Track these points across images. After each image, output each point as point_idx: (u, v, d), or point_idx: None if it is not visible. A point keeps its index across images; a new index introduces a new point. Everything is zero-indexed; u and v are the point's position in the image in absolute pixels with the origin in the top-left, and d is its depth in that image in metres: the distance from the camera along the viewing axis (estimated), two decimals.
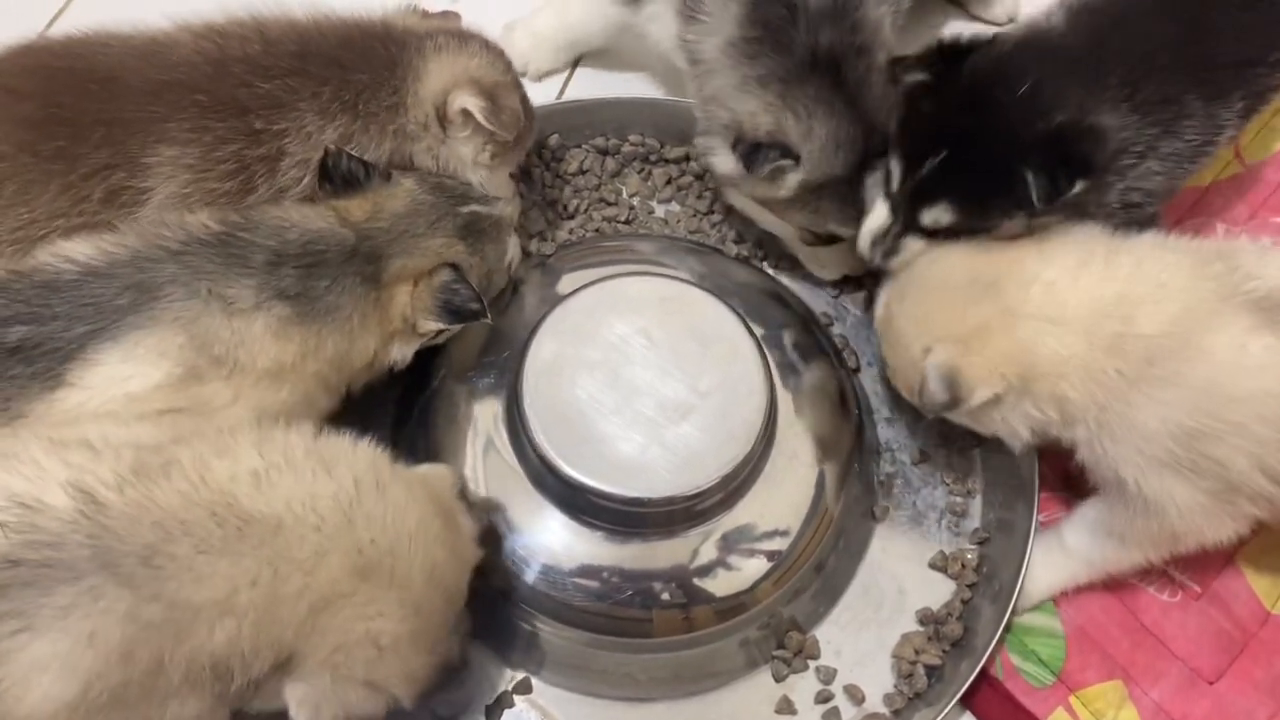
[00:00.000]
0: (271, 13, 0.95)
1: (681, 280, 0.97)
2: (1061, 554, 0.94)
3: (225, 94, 0.88)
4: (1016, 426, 0.90)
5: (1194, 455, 0.84)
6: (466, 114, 0.94)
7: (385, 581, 0.71)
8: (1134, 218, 0.95)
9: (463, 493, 0.84)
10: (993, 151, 0.89)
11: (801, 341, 1.02)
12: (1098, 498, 0.93)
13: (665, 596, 0.90)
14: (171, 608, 0.64)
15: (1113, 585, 0.96)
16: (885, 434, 1.06)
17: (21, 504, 0.64)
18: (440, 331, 0.91)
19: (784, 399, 0.95)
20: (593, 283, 0.95)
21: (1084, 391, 0.86)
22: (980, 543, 1.01)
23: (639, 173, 1.16)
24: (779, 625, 0.95)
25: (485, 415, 0.94)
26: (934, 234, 0.94)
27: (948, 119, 0.92)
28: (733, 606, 0.92)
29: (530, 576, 0.91)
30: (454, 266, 0.88)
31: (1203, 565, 0.96)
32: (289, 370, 0.82)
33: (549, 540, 0.90)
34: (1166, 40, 0.92)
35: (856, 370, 1.08)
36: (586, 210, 1.13)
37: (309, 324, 0.82)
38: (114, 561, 0.64)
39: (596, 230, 1.13)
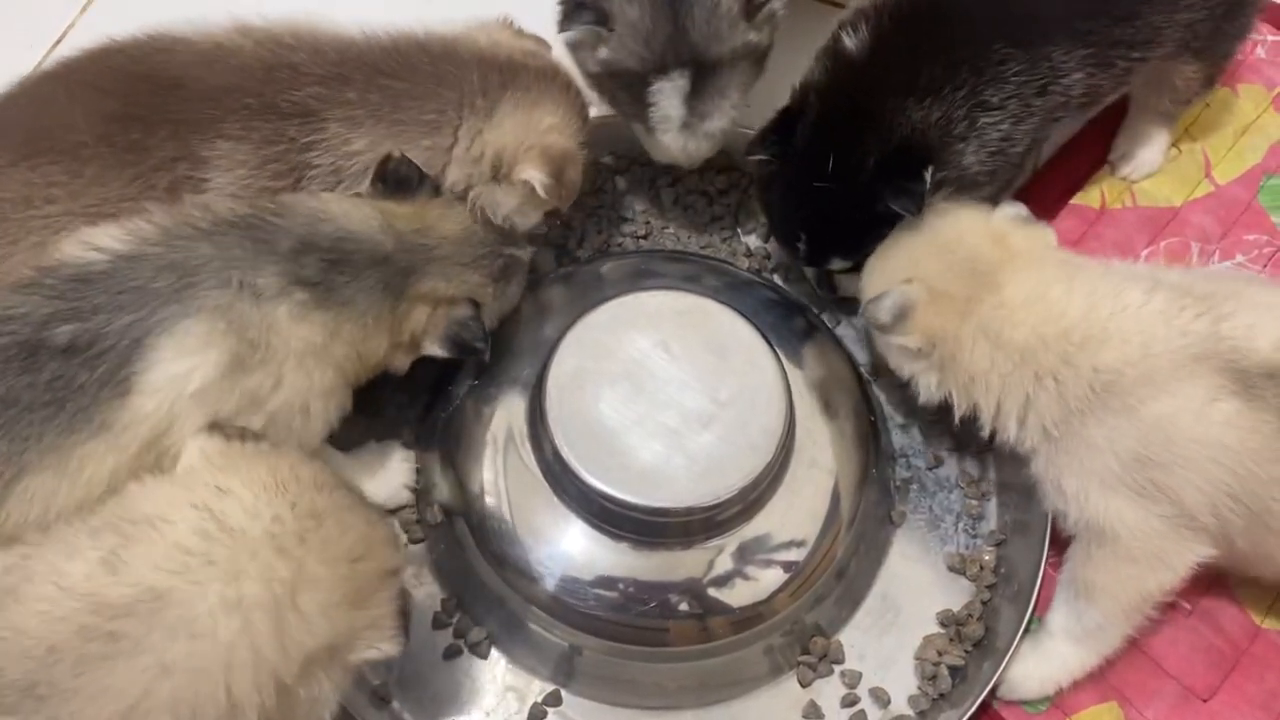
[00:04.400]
0: (337, 26, 0.96)
1: (698, 293, 0.98)
2: (1048, 639, 0.93)
3: (270, 99, 0.90)
4: (923, 387, 0.94)
5: (1142, 480, 0.84)
6: (528, 183, 0.94)
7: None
8: (1010, 160, 0.99)
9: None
10: (847, 201, 0.95)
11: (815, 350, 1.04)
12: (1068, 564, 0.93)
13: (683, 607, 0.91)
14: None
15: None
16: (900, 440, 1.07)
17: None
18: None
19: (801, 407, 0.96)
20: (611, 298, 0.96)
21: (1001, 404, 0.89)
22: (997, 544, 1.02)
23: (648, 191, 1.18)
24: (803, 631, 0.96)
25: (509, 428, 0.95)
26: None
27: (799, 200, 0.98)
28: (750, 617, 0.93)
29: (551, 585, 0.91)
30: (475, 303, 0.89)
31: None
32: (321, 351, 0.82)
33: (570, 549, 0.91)
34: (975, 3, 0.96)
35: (872, 378, 1.09)
36: (604, 228, 1.15)
37: (326, 310, 0.82)
38: None
39: (619, 245, 1.14)
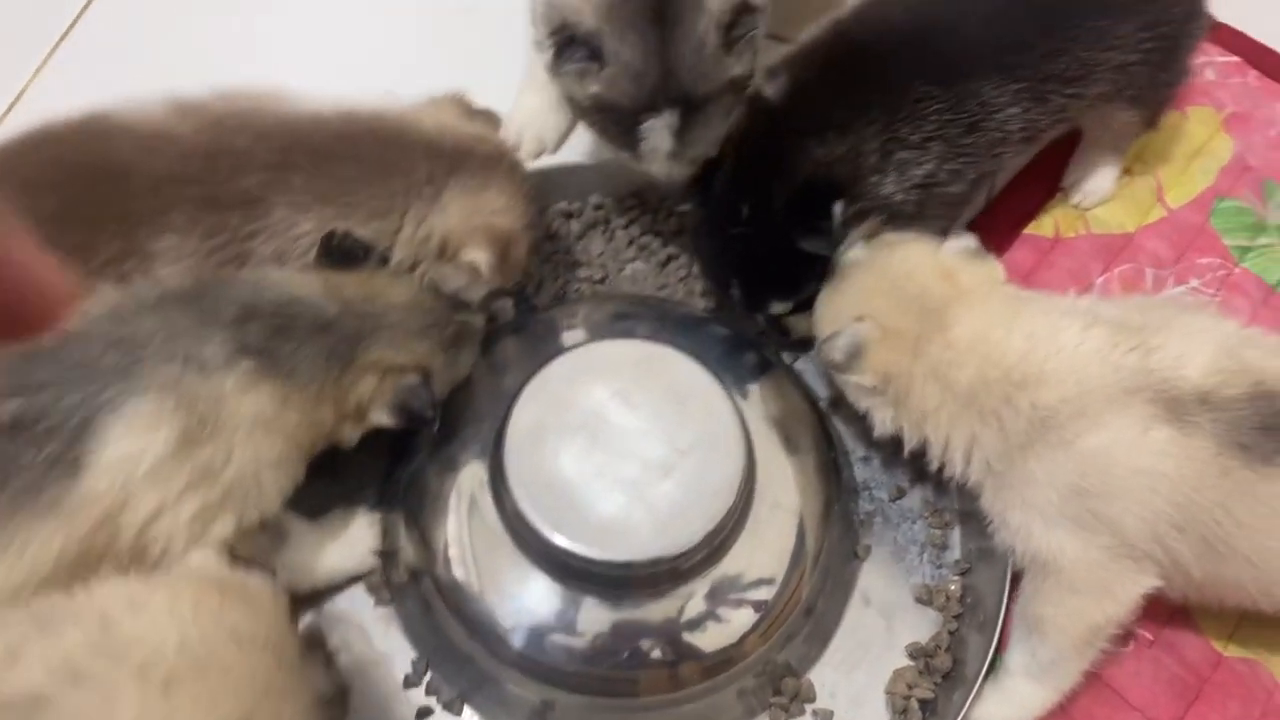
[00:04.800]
0: (277, 102, 0.95)
1: (655, 341, 0.98)
2: (1008, 678, 0.94)
3: (213, 189, 0.89)
4: (879, 421, 0.95)
5: (1083, 513, 0.85)
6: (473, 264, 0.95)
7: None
8: (944, 199, 1.01)
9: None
10: (768, 244, 0.97)
11: (773, 389, 1.04)
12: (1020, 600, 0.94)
13: (655, 654, 0.91)
14: None
15: None
16: (862, 473, 1.08)
17: None
18: None
19: (761, 448, 0.96)
20: (569, 349, 0.96)
21: (950, 440, 0.91)
22: (962, 573, 1.03)
23: (603, 234, 1.18)
24: (774, 672, 0.96)
25: (470, 485, 0.95)
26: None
27: (723, 247, 1.01)
28: (722, 661, 0.93)
29: (519, 643, 0.91)
30: (424, 372, 0.88)
31: (1152, 611, 0.96)
32: (271, 421, 0.81)
33: (536, 605, 0.91)
34: (894, 45, 0.98)
35: (831, 411, 1.09)
36: (561, 273, 1.15)
37: (273, 379, 0.81)
38: None
39: (577, 290, 1.14)
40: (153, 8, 1.35)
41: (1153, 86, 1.07)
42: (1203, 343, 0.86)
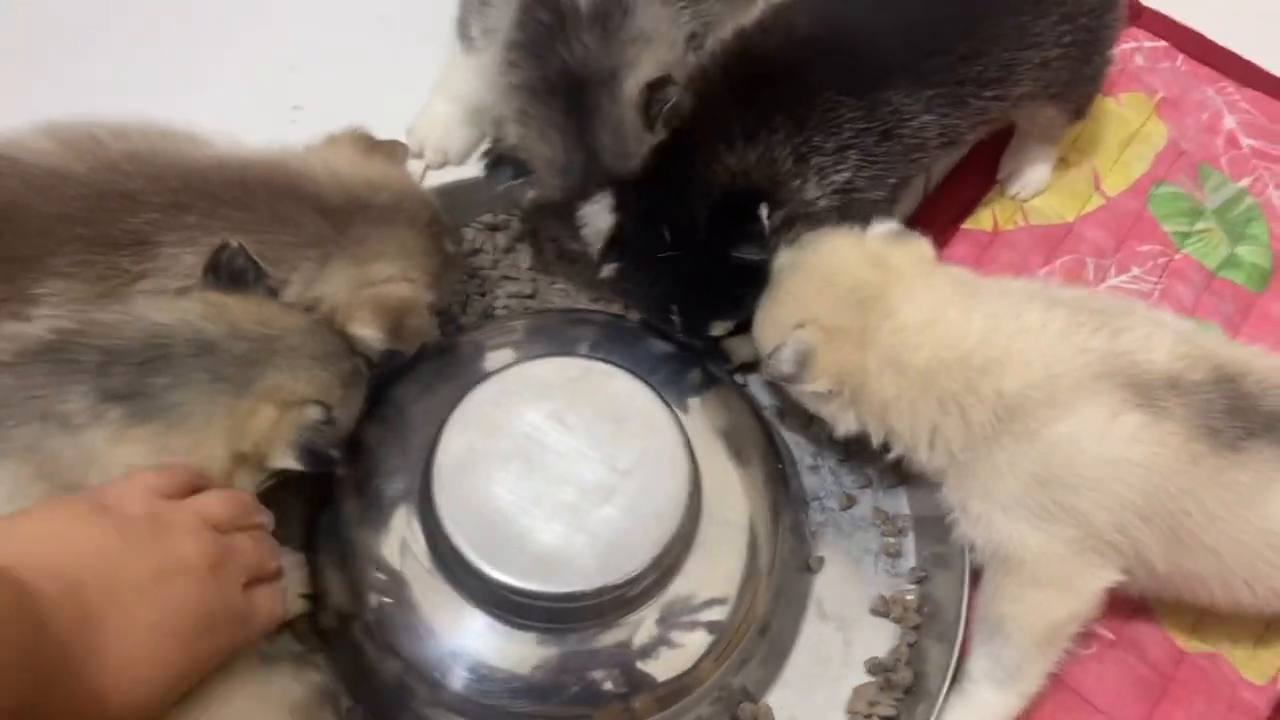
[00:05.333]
0: (177, 142, 0.89)
1: (589, 357, 0.94)
2: (971, 686, 0.91)
3: (103, 229, 0.83)
4: (840, 424, 0.92)
5: (1047, 503, 0.83)
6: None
7: None
8: (865, 207, 0.98)
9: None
10: (699, 262, 0.94)
11: (717, 402, 1.00)
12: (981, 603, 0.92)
13: (608, 686, 0.87)
14: None
15: None
16: (811, 483, 1.04)
17: None
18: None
19: (705, 463, 0.93)
20: (498, 371, 0.91)
21: (913, 429, 0.88)
22: (918, 581, 1.00)
23: (531, 247, 1.13)
24: (730, 698, 0.92)
25: (398, 519, 0.90)
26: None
27: (655, 277, 0.97)
28: (677, 690, 0.88)
29: (459, 685, 0.86)
30: (327, 408, 0.81)
31: (1113, 610, 0.95)
32: None
33: (477, 645, 0.86)
34: (799, 55, 0.95)
35: (777, 420, 1.06)
36: (488, 289, 1.10)
37: (147, 423, 0.74)
38: None
39: (505, 307, 1.09)
40: (47, 32, 1.27)
41: (1075, 81, 1.05)
42: (1163, 326, 0.86)
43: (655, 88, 0.94)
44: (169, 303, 0.80)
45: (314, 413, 0.80)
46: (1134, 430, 0.81)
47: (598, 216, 0.96)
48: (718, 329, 0.99)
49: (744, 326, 0.98)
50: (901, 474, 1.01)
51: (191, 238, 0.85)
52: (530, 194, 0.99)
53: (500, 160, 0.97)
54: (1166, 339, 0.84)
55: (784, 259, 0.94)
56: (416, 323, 0.91)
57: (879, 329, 0.87)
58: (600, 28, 0.94)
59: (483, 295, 1.10)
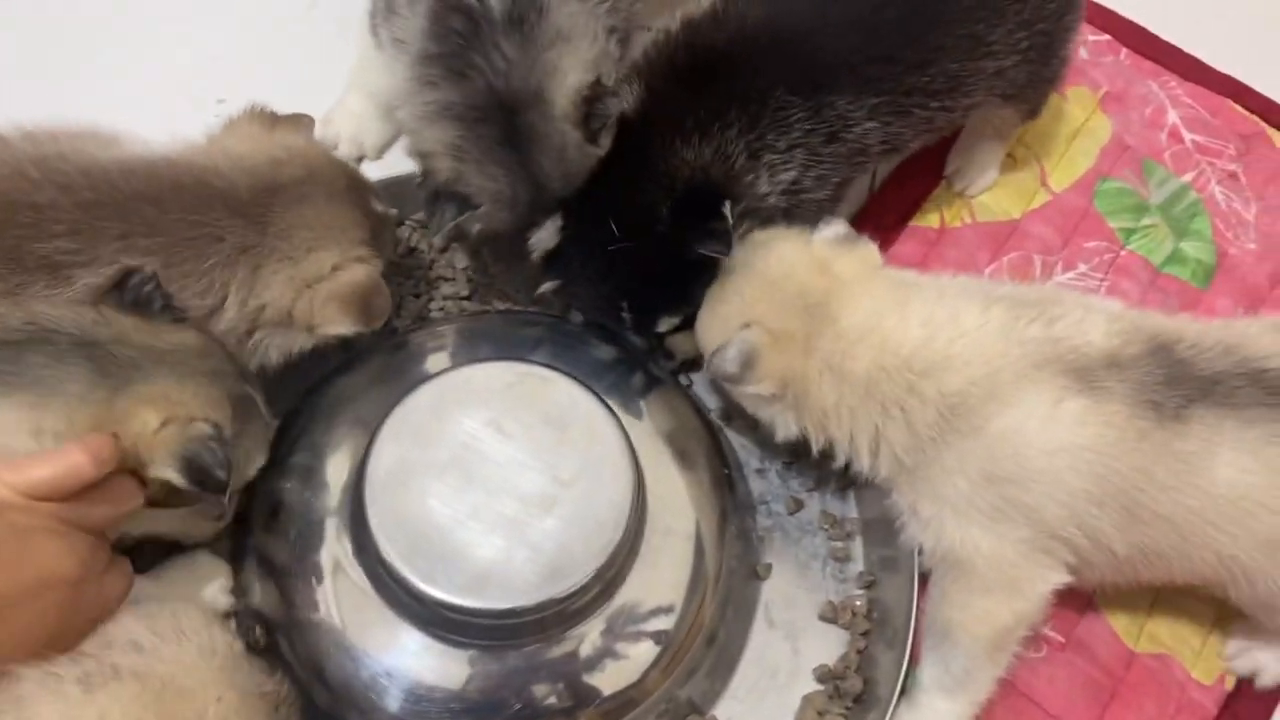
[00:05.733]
0: (86, 141, 0.84)
1: (529, 362, 0.91)
2: (921, 694, 0.89)
3: (11, 246, 0.78)
4: (780, 427, 0.91)
5: (998, 502, 0.83)
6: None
7: None
8: (809, 207, 0.96)
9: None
10: (655, 256, 0.92)
11: (662, 406, 0.98)
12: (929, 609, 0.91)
13: (552, 701, 0.84)
14: None
15: None
16: (758, 487, 1.02)
17: None
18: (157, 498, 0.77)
19: (650, 470, 0.90)
20: (432, 377, 0.88)
21: (854, 436, 0.87)
22: (867, 586, 0.98)
23: (467, 246, 1.09)
24: (677, 711, 0.90)
25: (328, 533, 0.86)
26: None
27: (604, 273, 0.93)
28: (623, 704, 0.86)
29: (396, 706, 0.82)
30: (217, 426, 0.76)
31: (1062, 612, 0.95)
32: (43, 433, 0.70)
33: (413, 664, 0.83)
34: (751, 51, 0.93)
35: (723, 423, 1.04)
36: (423, 291, 1.06)
37: (16, 393, 0.70)
38: None
39: (441, 310, 1.06)
40: None
41: (1033, 84, 1.04)
42: (1093, 310, 0.86)
43: (592, 99, 0.90)
44: (68, 307, 0.76)
45: (203, 428, 0.75)
46: (1078, 415, 0.81)
47: (547, 239, 0.93)
48: (665, 324, 0.97)
49: (687, 323, 0.95)
50: (849, 477, 0.99)
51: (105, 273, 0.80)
52: (477, 226, 0.95)
53: (438, 197, 0.92)
54: (1099, 320, 0.85)
55: (735, 257, 0.92)
56: (380, 300, 0.88)
57: (821, 335, 0.86)
58: (518, 33, 0.89)
59: (417, 297, 1.06)
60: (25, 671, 0.66)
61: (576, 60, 0.91)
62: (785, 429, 0.91)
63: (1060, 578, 0.85)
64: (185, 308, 0.81)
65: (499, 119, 0.89)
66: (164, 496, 0.77)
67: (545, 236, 0.93)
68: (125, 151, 0.85)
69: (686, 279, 0.93)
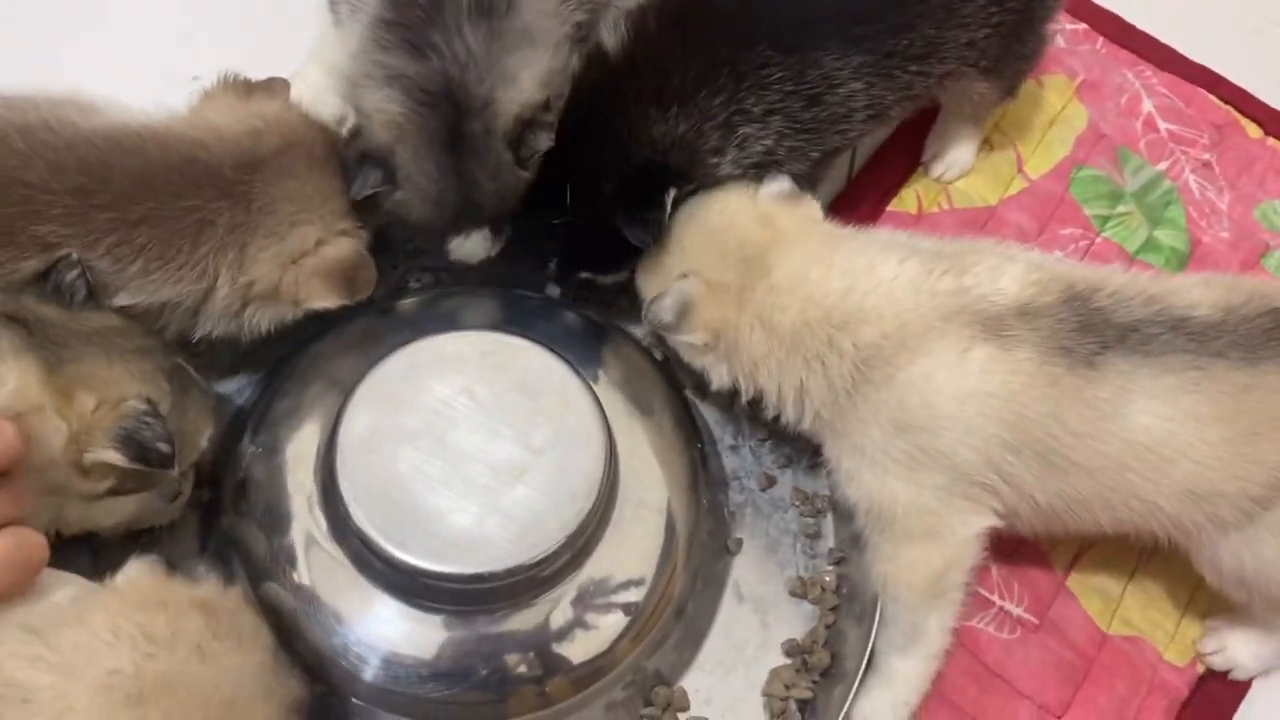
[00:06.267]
0: (69, 108, 0.83)
1: (502, 331, 0.91)
2: (881, 659, 0.90)
3: (5, 224, 0.78)
4: (714, 377, 0.92)
5: (911, 450, 0.84)
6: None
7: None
8: (785, 171, 0.95)
9: None
10: (591, 221, 0.91)
11: (635, 379, 0.98)
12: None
13: (522, 670, 0.84)
14: None
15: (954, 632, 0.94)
16: (731, 463, 1.03)
17: None
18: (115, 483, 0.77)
19: (623, 442, 0.91)
20: (404, 345, 0.88)
21: (780, 387, 0.88)
22: (837, 562, 0.99)
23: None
24: (644, 681, 0.90)
25: (301, 500, 0.86)
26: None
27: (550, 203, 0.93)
28: (591, 673, 0.87)
29: (370, 674, 0.83)
30: (150, 401, 0.76)
31: (1035, 595, 0.96)
32: None
33: (387, 632, 0.83)
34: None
35: (697, 398, 1.04)
36: (398, 262, 1.06)
37: None
38: None
39: (416, 281, 1.05)
40: None
41: (1006, 58, 1.04)
42: (1014, 258, 0.87)
43: (530, 124, 0.88)
44: None
45: (135, 405, 0.75)
46: (984, 363, 0.82)
47: (473, 246, 0.93)
48: (606, 281, 0.98)
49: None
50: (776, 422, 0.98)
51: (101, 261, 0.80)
52: (391, 201, 0.92)
53: (366, 159, 0.88)
54: (1016, 269, 0.85)
55: (686, 208, 0.93)
56: (364, 274, 0.89)
57: (755, 288, 0.88)
58: (485, 23, 0.86)
59: (393, 267, 1.06)
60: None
61: (535, 72, 0.89)
62: (719, 378, 0.92)
63: (983, 521, 0.86)
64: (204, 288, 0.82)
65: (446, 114, 0.87)
66: (120, 483, 0.77)
67: (472, 248, 0.93)
68: (108, 121, 0.84)
69: (618, 252, 0.93)
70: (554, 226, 0.94)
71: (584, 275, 0.98)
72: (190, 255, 0.83)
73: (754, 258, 0.88)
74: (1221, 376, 0.81)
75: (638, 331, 1.05)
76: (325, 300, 0.87)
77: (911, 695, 0.90)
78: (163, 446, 0.74)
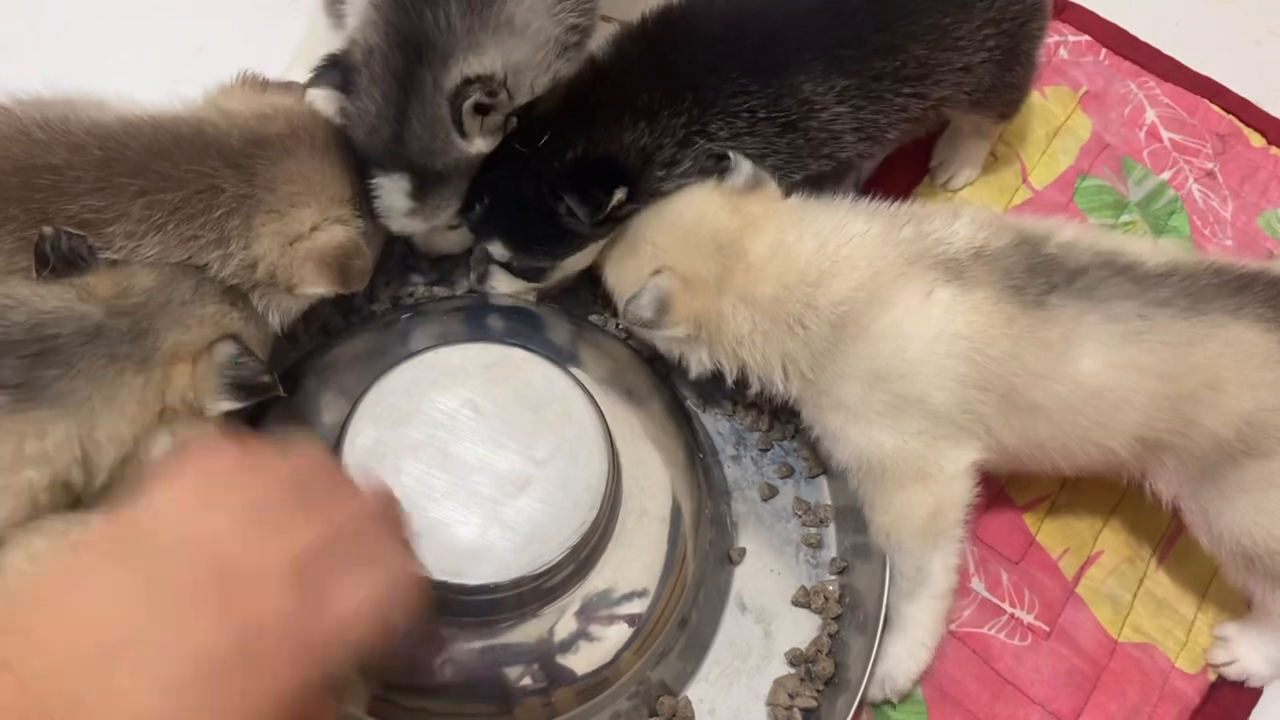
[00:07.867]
0: (80, 104, 0.85)
1: (503, 343, 0.91)
2: (894, 614, 0.92)
3: (36, 210, 0.79)
4: (693, 364, 0.94)
5: (889, 398, 0.86)
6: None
7: None
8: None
9: None
10: (528, 194, 0.92)
11: (637, 390, 0.98)
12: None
13: (526, 681, 0.84)
14: None
15: (965, 638, 0.96)
16: (733, 473, 1.03)
17: None
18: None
19: (625, 453, 0.91)
20: (407, 358, 0.88)
21: (766, 358, 0.90)
22: (840, 572, 0.99)
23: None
24: (649, 692, 0.90)
25: None
26: (513, 269, 0.98)
27: (491, 169, 0.94)
28: (596, 684, 0.87)
29: (374, 686, 0.83)
30: (235, 338, 0.79)
31: (1046, 602, 0.96)
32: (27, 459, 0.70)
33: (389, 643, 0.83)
34: (717, 28, 0.94)
35: (699, 409, 1.05)
36: (394, 278, 1.06)
37: (23, 412, 0.71)
38: None
39: (411, 295, 1.06)
40: None
41: (998, 88, 1.04)
42: (965, 213, 0.90)
43: (471, 85, 0.88)
44: (48, 289, 0.76)
45: (227, 349, 0.78)
46: (947, 303, 0.84)
47: (392, 193, 0.92)
48: (496, 250, 0.97)
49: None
50: (822, 463, 1.00)
51: (136, 231, 0.82)
52: (336, 112, 0.93)
53: (335, 62, 0.91)
54: (966, 218, 0.89)
55: (649, 209, 0.94)
56: (359, 263, 0.89)
57: (733, 272, 0.89)
58: (472, 3, 0.89)
59: (389, 284, 1.06)
60: None
61: (506, 53, 0.90)
62: (698, 366, 0.94)
63: (969, 455, 0.88)
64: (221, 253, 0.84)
65: (409, 55, 0.89)
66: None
67: (391, 188, 0.92)
68: (120, 111, 0.86)
69: (536, 232, 0.94)
70: (487, 180, 0.94)
71: (491, 248, 0.97)
72: (208, 217, 0.84)
73: (728, 244, 0.90)
74: (1165, 327, 0.83)
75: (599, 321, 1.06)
76: (317, 286, 0.88)
77: (926, 637, 0.92)
78: (265, 378, 0.79)
